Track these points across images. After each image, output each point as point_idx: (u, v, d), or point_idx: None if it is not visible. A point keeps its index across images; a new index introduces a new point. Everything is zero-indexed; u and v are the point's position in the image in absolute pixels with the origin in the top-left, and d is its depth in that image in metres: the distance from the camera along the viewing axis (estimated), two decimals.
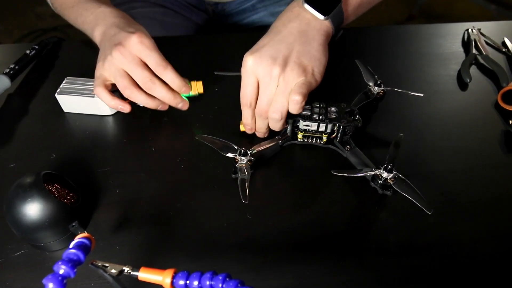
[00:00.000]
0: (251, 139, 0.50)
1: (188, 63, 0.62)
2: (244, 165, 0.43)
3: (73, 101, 0.51)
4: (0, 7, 1.87)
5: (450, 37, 0.66)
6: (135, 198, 0.43)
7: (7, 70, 0.55)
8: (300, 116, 0.46)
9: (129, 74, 0.47)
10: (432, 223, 0.41)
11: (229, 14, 0.80)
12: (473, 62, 0.61)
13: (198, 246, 0.39)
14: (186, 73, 0.59)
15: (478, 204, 0.43)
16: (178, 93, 0.49)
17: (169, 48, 0.64)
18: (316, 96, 0.49)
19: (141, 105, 0.51)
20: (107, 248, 0.39)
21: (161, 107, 0.50)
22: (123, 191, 0.44)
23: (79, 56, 0.63)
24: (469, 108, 0.54)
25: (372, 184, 0.43)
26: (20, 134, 0.50)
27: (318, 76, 0.44)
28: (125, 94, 0.47)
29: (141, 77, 0.46)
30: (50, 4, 0.60)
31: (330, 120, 0.46)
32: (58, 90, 0.51)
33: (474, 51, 0.62)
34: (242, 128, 0.50)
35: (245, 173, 0.42)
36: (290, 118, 0.46)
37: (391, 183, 0.41)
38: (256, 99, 0.45)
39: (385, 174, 0.41)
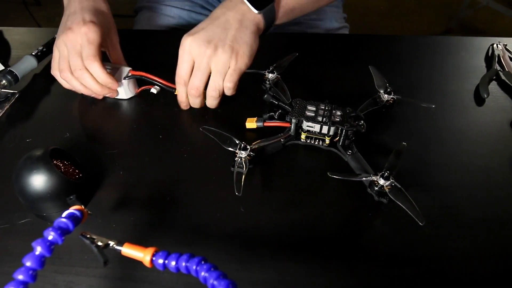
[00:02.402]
0: (255, 135, 0.50)
1: None
2: (242, 159, 0.43)
3: None
4: None
5: (474, 51, 0.65)
6: (136, 181, 0.45)
7: (36, 52, 0.58)
8: (304, 116, 0.46)
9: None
10: (426, 236, 0.40)
11: None
12: (494, 78, 0.59)
13: (189, 233, 0.41)
14: None
15: (478, 223, 0.42)
16: (105, 86, 0.51)
17: None
18: (325, 99, 0.49)
19: (155, 92, 0.53)
20: (105, 225, 0.41)
21: (94, 95, 0.53)
22: (126, 174, 0.46)
23: None
24: (483, 124, 0.53)
25: (369, 190, 0.43)
26: (40, 112, 0.54)
27: (247, 59, 0.49)
28: (62, 76, 0.50)
29: (74, 64, 0.49)
30: None
31: (333, 123, 0.46)
32: None
33: (496, 66, 0.60)
34: (248, 125, 0.51)
35: (242, 167, 0.43)
36: (295, 118, 0.47)
37: (387, 190, 0.41)
38: (190, 77, 0.50)
39: (381, 181, 0.41)
